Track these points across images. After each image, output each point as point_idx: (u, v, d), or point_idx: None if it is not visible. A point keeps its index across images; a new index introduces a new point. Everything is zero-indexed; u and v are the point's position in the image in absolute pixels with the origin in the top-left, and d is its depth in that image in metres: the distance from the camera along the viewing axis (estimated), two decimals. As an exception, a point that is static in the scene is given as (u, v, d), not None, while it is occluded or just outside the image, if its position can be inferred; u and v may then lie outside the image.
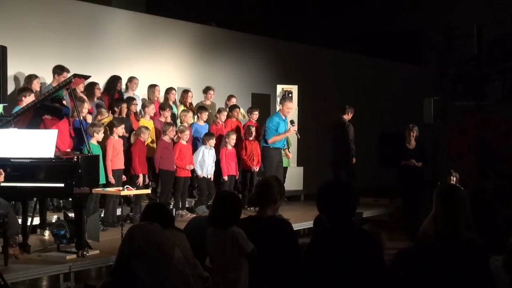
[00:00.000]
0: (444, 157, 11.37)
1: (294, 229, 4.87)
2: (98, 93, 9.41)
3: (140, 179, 8.91)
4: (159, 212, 4.81)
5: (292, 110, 10.34)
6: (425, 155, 10.74)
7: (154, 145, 9.54)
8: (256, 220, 4.63)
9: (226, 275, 4.49)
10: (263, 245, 4.44)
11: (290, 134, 10.25)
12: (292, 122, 10.24)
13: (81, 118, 8.09)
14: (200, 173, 9.82)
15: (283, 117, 10.07)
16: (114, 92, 9.88)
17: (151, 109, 9.74)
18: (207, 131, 10.20)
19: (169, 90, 10.57)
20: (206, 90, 11.20)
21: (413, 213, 9.92)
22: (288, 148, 11.22)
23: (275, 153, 10.03)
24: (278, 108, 10.55)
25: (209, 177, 9.99)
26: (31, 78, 8.59)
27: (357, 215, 6.94)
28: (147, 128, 9.15)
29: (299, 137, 10.66)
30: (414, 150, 10.52)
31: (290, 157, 11.31)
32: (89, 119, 8.81)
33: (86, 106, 8.64)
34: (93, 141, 8.07)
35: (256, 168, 10.46)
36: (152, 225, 4.65)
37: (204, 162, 9.87)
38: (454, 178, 10.36)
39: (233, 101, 11.26)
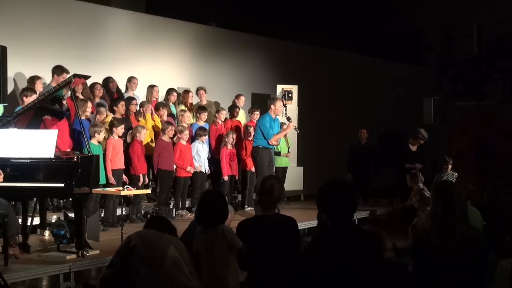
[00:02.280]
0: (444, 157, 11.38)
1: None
2: (99, 93, 9.40)
3: (141, 180, 8.92)
4: (159, 222, 4.90)
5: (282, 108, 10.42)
6: (425, 157, 10.82)
7: (153, 145, 9.54)
8: (263, 218, 4.68)
9: (216, 274, 4.55)
10: (271, 242, 4.49)
11: (289, 130, 10.28)
12: (289, 118, 10.26)
13: (83, 117, 8.13)
14: (197, 165, 9.81)
15: (273, 117, 10.07)
16: (110, 93, 9.86)
17: (150, 109, 9.73)
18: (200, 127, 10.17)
19: (169, 91, 10.57)
20: (197, 91, 11.20)
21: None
22: (288, 148, 11.23)
23: (266, 153, 10.01)
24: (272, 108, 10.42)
25: (206, 172, 9.99)
26: (34, 79, 8.58)
27: None
28: (143, 127, 9.15)
29: (298, 131, 10.80)
30: (416, 152, 10.55)
31: (289, 156, 11.31)
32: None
33: (90, 105, 8.63)
34: (94, 141, 8.07)
35: (253, 169, 10.44)
36: (149, 230, 4.74)
37: (200, 157, 9.87)
38: (450, 166, 10.43)
39: (242, 99, 11.28)
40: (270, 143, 9.99)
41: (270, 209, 4.70)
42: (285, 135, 10.70)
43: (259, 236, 4.61)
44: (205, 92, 11.17)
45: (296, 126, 10.65)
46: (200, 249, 4.65)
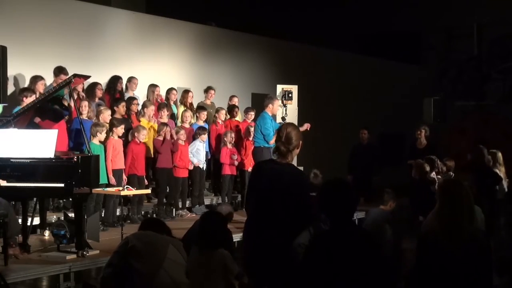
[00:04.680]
0: (444, 157, 11.39)
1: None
2: (99, 93, 9.40)
3: (124, 181, 8.69)
4: (154, 224, 4.90)
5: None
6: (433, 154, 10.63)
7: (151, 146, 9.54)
8: (276, 163, 4.62)
9: None
10: (277, 186, 4.44)
11: None
12: (283, 119, 10.25)
13: (83, 117, 8.13)
14: (196, 162, 9.81)
15: (270, 115, 10.11)
16: (115, 92, 9.88)
17: (151, 110, 9.73)
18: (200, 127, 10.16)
19: (169, 91, 10.58)
20: (207, 90, 11.22)
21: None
22: None
23: (267, 152, 10.01)
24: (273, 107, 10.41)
25: (203, 167, 10.01)
26: (36, 79, 8.56)
27: None
28: (143, 127, 9.14)
29: None
30: (423, 150, 10.48)
31: None
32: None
33: (87, 105, 8.63)
34: (95, 141, 8.07)
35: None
36: (146, 231, 4.74)
37: (199, 154, 9.88)
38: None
39: (235, 100, 11.30)
40: (270, 144, 9.98)
41: (286, 157, 4.59)
42: None
43: (267, 178, 4.53)
44: (214, 93, 11.22)
45: None
46: (192, 268, 4.53)
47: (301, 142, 4.62)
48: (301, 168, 12.05)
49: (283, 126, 4.75)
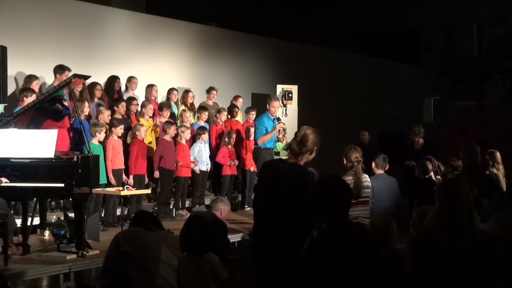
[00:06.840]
0: (444, 157, 11.39)
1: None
2: (98, 94, 9.40)
3: (130, 180, 8.74)
4: (142, 218, 4.88)
5: (278, 109, 10.33)
6: (430, 155, 10.66)
7: (152, 145, 9.53)
8: (283, 162, 4.61)
9: None
10: (283, 186, 4.40)
11: (276, 131, 10.24)
12: (278, 119, 10.22)
13: (82, 118, 8.12)
14: (197, 169, 9.80)
15: (272, 117, 10.06)
16: (113, 92, 9.88)
17: (149, 109, 9.73)
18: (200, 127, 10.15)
19: (170, 91, 10.58)
20: (209, 90, 11.23)
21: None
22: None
23: (267, 152, 9.98)
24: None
25: (208, 170, 10.02)
26: (30, 78, 8.56)
27: None
28: (142, 125, 9.13)
29: (285, 134, 10.63)
30: (419, 150, 10.50)
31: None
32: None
33: (87, 105, 8.63)
34: (95, 141, 8.08)
35: (253, 169, 10.41)
36: (136, 229, 4.72)
37: (201, 157, 9.87)
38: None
39: (240, 101, 11.29)
40: (259, 144, 9.94)
41: (297, 158, 4.56)
42: (283, 135, 10.63)
43: (273, 177, 4.49)
44: (216, 93, 11.22)
45: (284, 128, 10.32)
46: (183, 277, 4.39)
47: (316, 148, 4.62)
48: (301, 168, 12.16)
49: (302, 128, 4.73)
